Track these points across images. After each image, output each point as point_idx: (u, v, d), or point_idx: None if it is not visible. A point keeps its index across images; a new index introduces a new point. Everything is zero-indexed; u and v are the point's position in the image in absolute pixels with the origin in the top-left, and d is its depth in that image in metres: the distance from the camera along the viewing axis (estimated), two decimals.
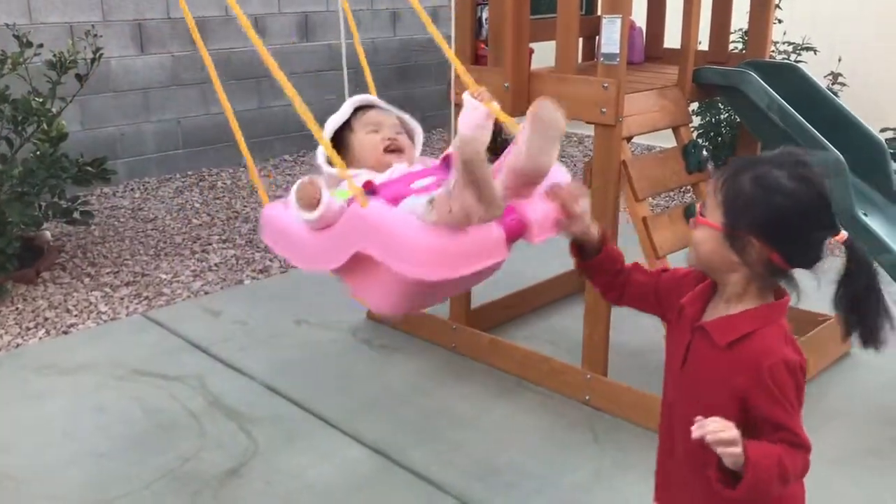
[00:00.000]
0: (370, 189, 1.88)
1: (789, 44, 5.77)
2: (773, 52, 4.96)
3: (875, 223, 3.02)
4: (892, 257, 2.96)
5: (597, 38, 3.35)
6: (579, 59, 3.33)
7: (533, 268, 3.93)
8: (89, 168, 4.54)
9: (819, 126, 3.07)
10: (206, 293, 4.29)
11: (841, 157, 2.95)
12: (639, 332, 3.35)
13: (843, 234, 1.51)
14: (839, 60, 5.85)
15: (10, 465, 2.86)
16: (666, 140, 3.43)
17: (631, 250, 3.43)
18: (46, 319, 3.97)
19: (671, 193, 5.70)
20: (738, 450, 1.38)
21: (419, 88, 7.53)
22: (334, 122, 2.17)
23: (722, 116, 5.82)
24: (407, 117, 2.26)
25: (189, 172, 6.41)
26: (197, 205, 5.68)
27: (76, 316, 4.02)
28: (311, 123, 1.88)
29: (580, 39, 3.34)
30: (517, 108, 3.15)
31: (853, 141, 3.22)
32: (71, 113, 5.15)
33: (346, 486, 2.77)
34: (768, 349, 1.49)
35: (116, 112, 6.03)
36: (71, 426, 3.09)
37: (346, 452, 2.94)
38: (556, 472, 2.82)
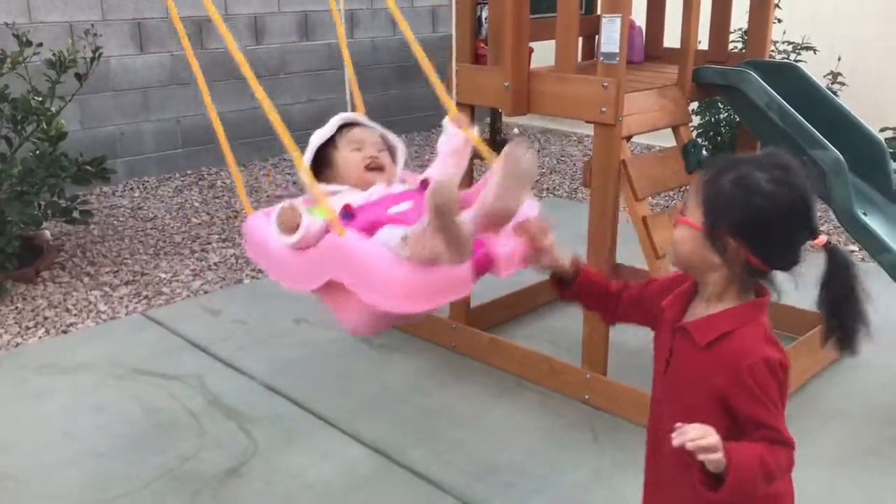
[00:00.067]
0: (349, 212, 1.94)
1: (789, 43, 5.77)
2: (772, 51, 4.96)
3: (875, 223, 3.02)
4: (892, 257, 2.96)
5: (596, 37, 3.35)
6: (579, 59, 3.33)
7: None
8: (89, 167, 4.54)
9: (819, 125, 3.07)
10: (206, 292, 4.28)
11: (840, 156, 2.96)
12: (638, 332, 3.29)
13: (823, 238, 1.51)
14: (839, 60, 5.85)
15: (10, 465, 2.86)
16: (666, 139, 3.43)
17: (631, 250, 3.45)
18: (46, 319, 3.97)
19: (671, 193, 5.70)
20: (718, 455, 1.39)
21: (419, 88, 7.51)
22: (319, 138, 2.22)
23: (721, 116, 5.82)
24: (390, 135, 2.30)
25: (188, 172, 6.41)
26: (196, 204, 5.68)
27: (76, 315, 4.02)
28: (284, 135, 1.94)
29: (580, 38, 3.34)
30: (517, 107, 3.16)
31: (853, 140, 3.22)
32: (70, 112, 5.15)
33: (346, 486, 2.77)
34: (748, 348, 1.50)
35: (116, 111, 6.03)
36: (70, 425, 3.09)
37: (345, 452, 2.94)
38: (556, 471, 2.82)
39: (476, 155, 2.23)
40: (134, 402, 3.25)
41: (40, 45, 4.50)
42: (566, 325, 3.75)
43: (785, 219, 1.49)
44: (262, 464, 2.86)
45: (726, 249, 1.51)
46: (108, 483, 2.77)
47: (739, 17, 3.70)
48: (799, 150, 3.08)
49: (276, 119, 1.94)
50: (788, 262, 1.53)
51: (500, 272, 1.85)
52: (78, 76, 4.56)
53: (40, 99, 4.32)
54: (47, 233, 4.80)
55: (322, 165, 2.21)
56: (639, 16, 3.61)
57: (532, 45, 3.26)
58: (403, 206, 1.97)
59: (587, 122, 3.04)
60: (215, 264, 4.62)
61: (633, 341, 3.45)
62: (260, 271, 4.53)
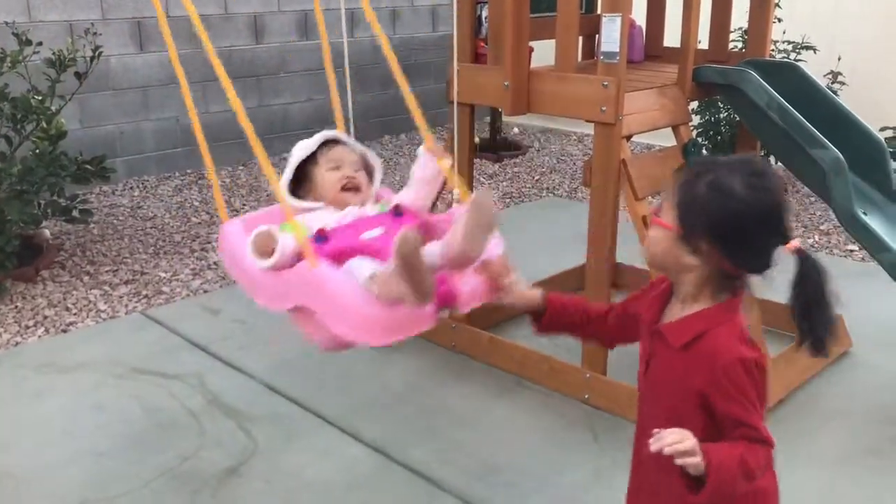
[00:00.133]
0: (322, 235, 2.03)
1: (789, 42, 5.77)
2: (772, 50, 4.96)
3: (875, 222, 3.02)
4: (892, 256, 2.95)
5: (597, 36, 3.35)
6: (579, 58, 3.32)
7: (532, 267, 3.92)
8: (88, 166, 4.54)
9: (819, 125, 3.07)
10: (206, 292, 4.28)
11: (840, 155, 2.96)
12: None
13: (794, 243, 1.52)
14: (839, 59, 5.85)
15: (10, 464, 2.86)
16: (666, 139, 3.43)
17: (631, 250, 3.44)
18: (46, 318, 3.97)
19: None
20: (696, 459, 1.39)
21: (419, 87, 7.49)
22: (300, 153, 2.28)
23: (721, 115, 5.82)
24: (370, 154, 2.37)
25: (188, 171, 6.40)
26: (196, 203, 5.68)
27: (75, 314, 4.02)
28: (262, 157, 2.02)
29: (580, 38, 3.34)
30: (517, 107, 3.16)
31: (853, 140, 3.22)
32: (70, 111, 5.15)
33: (346, 485, 2.77)
34: (722, 349, 1.51)
35: (116, 110, 6.03)
36: (70, 425, 3.09)
37: (345, 451, 2.94)
38: (556, 470, 2.82)
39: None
40: (134, 401, 3.25)
41: (40, 44, 4.50)
42: None
43: (759, 223, 1.50)
44: (261, 463, 2.86)
45: (699, 251, 1.53)
46: (107, 482, 2.76)
47: (739, 17, 3.70)
48: (799, 150, 3.08)
49: (248, 126, 2.03)
50: (761, 265, 1.54)
51: (461, 308, 1.93)
52: (78, 75, 4.56)
53: (40, 98, 4.32)
54: (47, 232, 4.80)
55: (302, 179, 2.28)
56: (639, 15, 3.61)
57: (532, 44, 3.26)
58: (375, 232, 2.05)
59: (587, 121, 3.04)
60: (215, 263, 4.62)
61: None
62: None
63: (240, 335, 3.79)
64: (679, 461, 1.39)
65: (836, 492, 2.70)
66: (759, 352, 1.53)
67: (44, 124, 4.35)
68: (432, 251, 1.85)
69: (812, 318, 1.53)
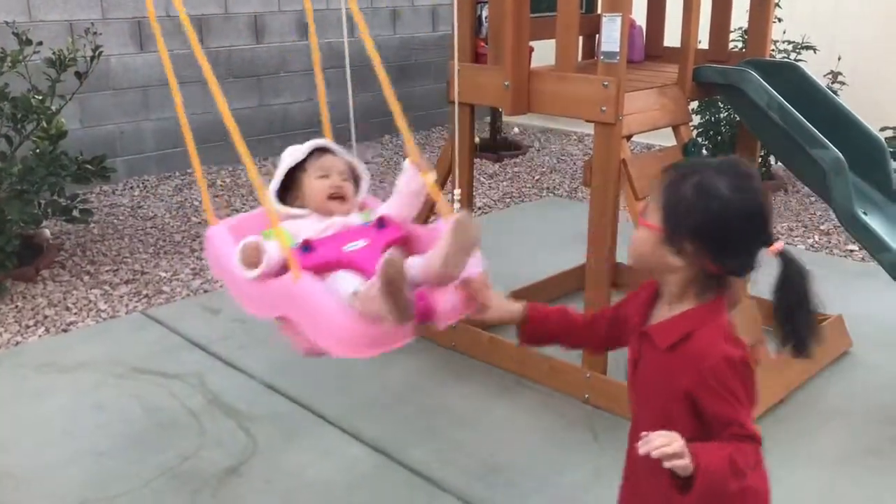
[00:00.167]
0: (307, 245, 2.07)
1: (789, 42, 5.77)
2: (772, 50, 4.96)
3: (875, 222, 3.02)
4: (892, 256, 2.96)
5: (597, 36, 3.35)
6: (579, 58, 3.33)
7: (531, 266, 3.93)
8: (89, 166, 4.54)
9: (819, 125, 3.07)
10: (206, 291, 4.28)
11: (841, 155, 2.96)
12: None
13: (778, 245, 1.53)
14: (839, 59, 5.85)
15: (10, 464, 2.86)
16: (666, 139, 3.43)
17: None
18: (46, 317, 3.97)
19: None
20: (685, 462, 1.40)
21: (419, 87, 7.52)
22: (290, 160, 2.31)
23: (722, 115, 5.82)
24: (358, 164, 2.40)
25: (188, 170, 6.40)
26: (196, 203, 5.68)
27: (75, 314, 4.02)
28: (250, 164, 2.02)
29: (580, 38, 3.34)
30: (517, 106, 3.16)
31: (853, 140, 3.23)
32: (70, 111, 5.15)
33: (346, 485, 2.77)
34: (708, 349, 1.52)
35: (116, 110, 6.03)
36: (70, 424, 3.09)
37: (345, 451, 2.94)
38: (556, 470, 2.82)
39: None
40: (134, 400, 3.25)
41: (40, 43, 4.50)
42: None
43: (743, 224, 1.51)
44: (261, 462, 2.86)
45: (683, 252, 1.53)
46: (108, 482, 2.77)
47: (739, 17, 3.70)
48: (799, 149, 3.08)
49: (233, 127, 2.02)
50: (744, 267, 1.56)
51: (438, 323, 1.96)
52: (78, 75, 4.56)
53: (40, 97, 4.32)
54: (47, 231, 4.80)
55: (290, 186, 2.31)
56: (639, 15, 3.61)
57: (532, 44, 3.26)
58: (359, 244, 2.09)
59: (587, 121, 3.04)
60: None
61: None
62: None
63: (240, 335, 3.79)
64: (667, 464, 1.39)
65: (836, 492, 2.70)
66: (744, 350, 1.54)
67: (44, 124, 4.35)
68: (413, 264, 1.90)
69: (795, 320, 1.54)
